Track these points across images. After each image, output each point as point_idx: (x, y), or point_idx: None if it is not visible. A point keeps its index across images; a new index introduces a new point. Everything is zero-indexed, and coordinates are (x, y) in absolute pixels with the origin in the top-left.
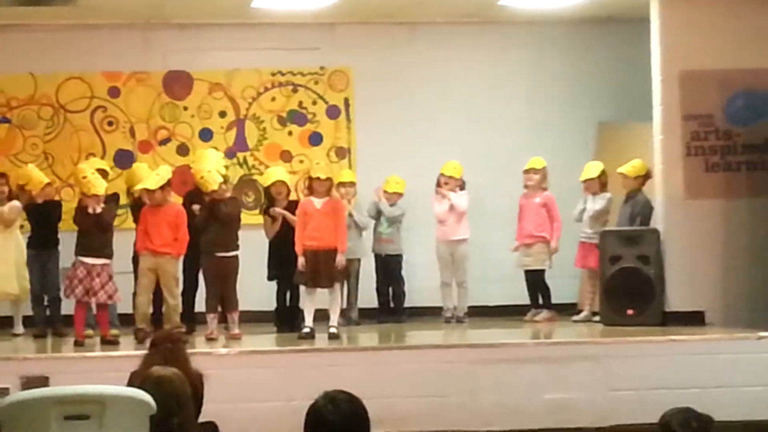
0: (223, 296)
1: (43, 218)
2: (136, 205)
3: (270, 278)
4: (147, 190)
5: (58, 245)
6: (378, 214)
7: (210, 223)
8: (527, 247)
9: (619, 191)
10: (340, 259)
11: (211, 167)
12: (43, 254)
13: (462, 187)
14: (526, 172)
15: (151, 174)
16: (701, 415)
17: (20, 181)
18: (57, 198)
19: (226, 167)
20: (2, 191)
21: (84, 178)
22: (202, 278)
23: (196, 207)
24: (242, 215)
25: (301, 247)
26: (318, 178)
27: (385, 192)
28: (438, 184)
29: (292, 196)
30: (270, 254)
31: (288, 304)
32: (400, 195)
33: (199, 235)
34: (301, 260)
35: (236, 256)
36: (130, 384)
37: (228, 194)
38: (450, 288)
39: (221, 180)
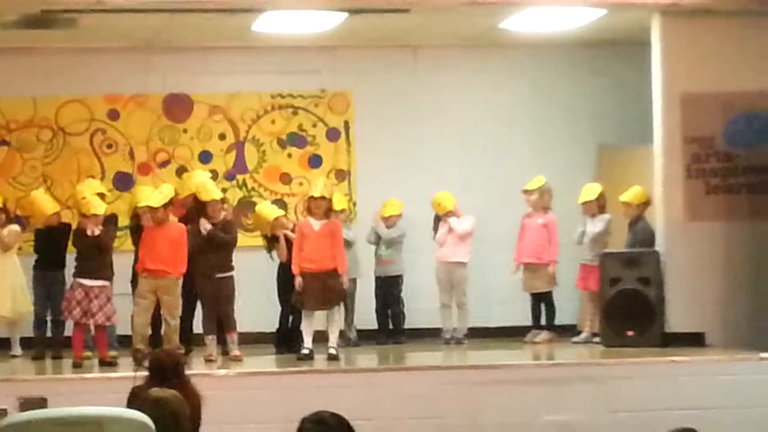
0: (221, 317)
1: (50, 240)
2: (137, 227)
3: (281, 303)
4: (150, 208)
5: (63, 267)
6: (377, 239)
7: (206, 247)
8: (533, 271)
9: (620, 213)
10: (344, 280)
11: (208, 182)
12: (48, 275)
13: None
14: (523, 192)
15: (153, 193)
16: None
17: (24, 212)
18: (61, 222)
19: (224, 190)
20: (1, 220)
21: (83, 199)
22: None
23: (208, 226)
24: (242, 237)
25: (297, 268)
26: (315, 198)
27: (383, 217)
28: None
29: (291, 218)
30: (278, 278)
31: (290, 326)
32: (399, 216)
33: (192, 258)
34: (298, 280)
35: (232, 277)
36: (130, 401)
37: (228, 216)
38: (449, 309)
39: (220, 195)
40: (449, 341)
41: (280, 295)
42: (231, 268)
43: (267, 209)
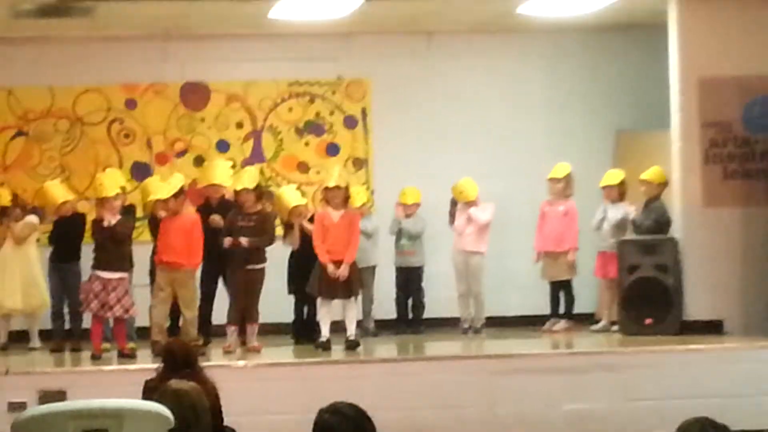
0: (245, 309)
1: (63, 232)
2: (153, 219)
3: (290, 292)
4: (160, 201)
5: (78, 259)
6: (399, 231)
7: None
8: (552, 258)
9: (638, 198)
10: (343, 269)
11: (225, 175)
12: (63, 267)
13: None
14: (549, 180)
15: (162, 184)
16: (719, 425)
17: (37, 202)
18: (77, 212)
19: None
20: (16, 215)
21: (101, 184)
22: (219, 291)
23: (216, 217)
24: None
25: (325, 256)
26: (331, 188)
27: (403, 205)
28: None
29: (309, 207)
30: (290, 267)
31: (306, 317)
32: (418, 205)
33: (218, 247)
34: (331, 267)
35: (263, 269)
36: (144, 393)
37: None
38: (467, 299)
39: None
40: (467, 331)
41: (290, 284)
42: (264, 260)
43: (288, 195)
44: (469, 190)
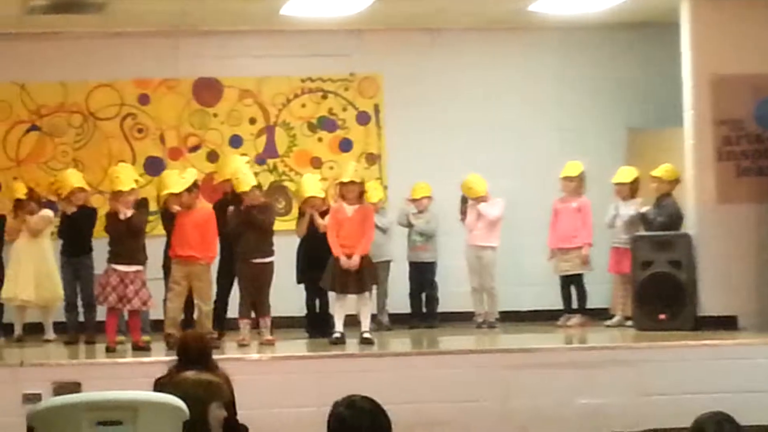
0: (257, 302)
1: (75, 225)
2: (166, 213)
3: (299, 281)
4: (173, 195)
5: (90, 252)
6: (408, 223)
7: (244, 229)
8: (564, 253)
9: (649, 194)
10: (354, 260)
11: (244, 169)
12: (75, 261)
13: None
14: (563, 179)
15: (176, 178)
16: (734, 420)
17: (55, 185)
18: (88, 205)
19: (256, 174)
20: (30, 209)
21: (117, 177)
22: (234, 284)
23: (230, 208)
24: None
25: (339, 249)
26: (345, 183)
27: (413, 200)
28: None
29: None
30: (298, 257)
31: (318, 309)
32: (430, 198)
33: (232, 241)
34: (344, 259)
35: (272, 262)
36: (156, 388)
37: (261, 200)
38: (480, 293)
39: (255, 182)
40: (481, 325)
41: (299, 273)
42: (271, 253)
43: (307, 183)
44: (477, 186)
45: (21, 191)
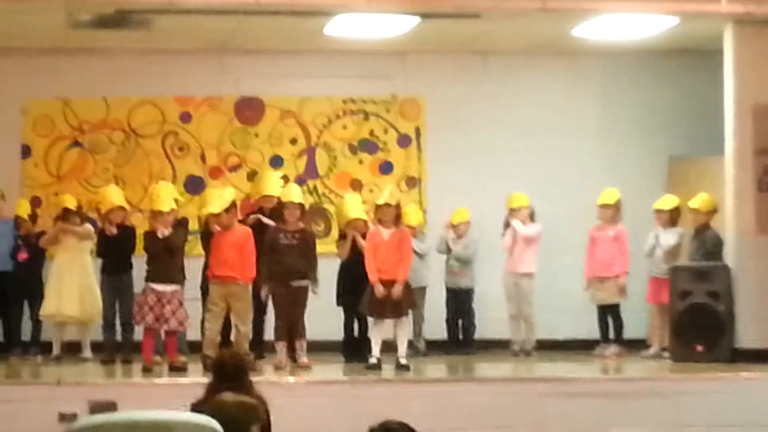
0: (292, 324)
1: (114, 243)
2: (206, 233)
3: (338, 304)
4: (213, 215)
5: (130, 270)
6: (447, 249)
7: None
8: (601, 281)
9: (689, 226)
10: (396, 289)
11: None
12: (116, 280)
13: (532, 219)
14: (600, 206)
15: (215, 197)
16: None
17: (96, 202)
18: (128, 224)
19: None
20: (74, 221)
21: (157, 197)
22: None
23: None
24: None
25: (375, 275)
26: (380, 205)
27: (452, 225)
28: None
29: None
30: (339, 279)
31: (357, 334)
32: (468, 224)
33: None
34: (378, 288)
35: (308, 286)
36: (193, 410)
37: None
38: (518, 321)
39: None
40: (518, 353)
41: (339, 296)
42: (307, 277)
43: (350, 205)
44: (519, 198)
45: (71, 202)
